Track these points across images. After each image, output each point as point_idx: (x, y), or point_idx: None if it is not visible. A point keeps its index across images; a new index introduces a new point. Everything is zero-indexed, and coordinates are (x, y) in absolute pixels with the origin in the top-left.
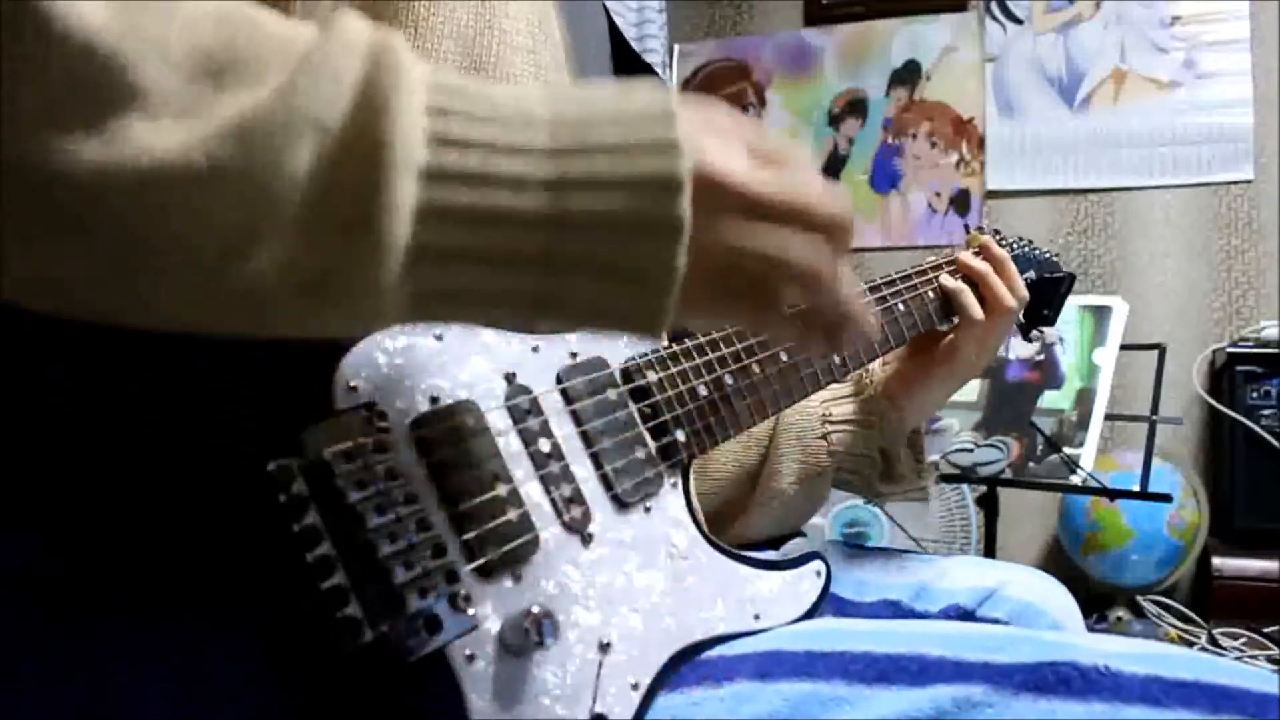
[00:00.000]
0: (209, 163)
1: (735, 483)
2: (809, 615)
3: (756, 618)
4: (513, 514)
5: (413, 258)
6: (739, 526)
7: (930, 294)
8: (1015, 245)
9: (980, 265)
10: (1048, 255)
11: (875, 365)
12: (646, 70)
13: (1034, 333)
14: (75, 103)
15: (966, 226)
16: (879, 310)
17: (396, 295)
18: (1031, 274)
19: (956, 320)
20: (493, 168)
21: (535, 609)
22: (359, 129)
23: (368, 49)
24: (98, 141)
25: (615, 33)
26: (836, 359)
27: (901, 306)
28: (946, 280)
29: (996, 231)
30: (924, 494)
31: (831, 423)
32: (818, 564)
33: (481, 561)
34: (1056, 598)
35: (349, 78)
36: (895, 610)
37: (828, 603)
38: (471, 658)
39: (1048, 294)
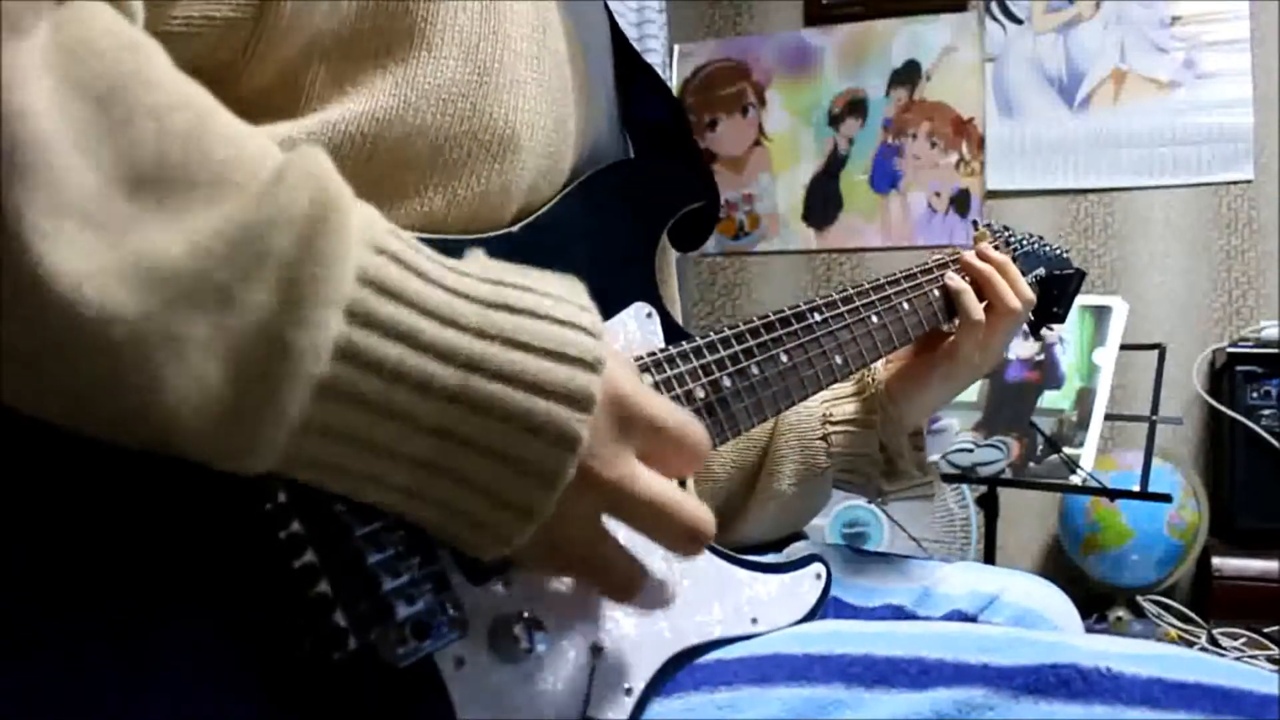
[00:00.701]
0: (101, 302)
1: (734, 484)
2: (808, 618)
3: (754, 621)
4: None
5: (301, 428)
6: (738, 528)
7: (935, 293)
8: (1025, 241)
9: (984, 267)
10: (1058, 252)
11: (878, 363)
12: (647, 71)
13: (1044, 330)
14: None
15: (975, 223)
16: (883, 309)
17: (270, 452)
18: (1041, 270)
19: (959, 321)
20: (406, 366)
21: (525, 614)
22: (267, 315)
23: (304, 219)
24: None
25: (617, 33)
26: (838, 359)
27: (906, 305)
28: (951, 279)
29: (1006, 228)
30: (930, 491)
31: (832, 423)
32: (818, 567)
33: (472, 567)
34: (1056, 603)
35: (271, 260)
36: (899, 615)
37: (829, 606)
38: (461, 663)
39: (1058, 291)
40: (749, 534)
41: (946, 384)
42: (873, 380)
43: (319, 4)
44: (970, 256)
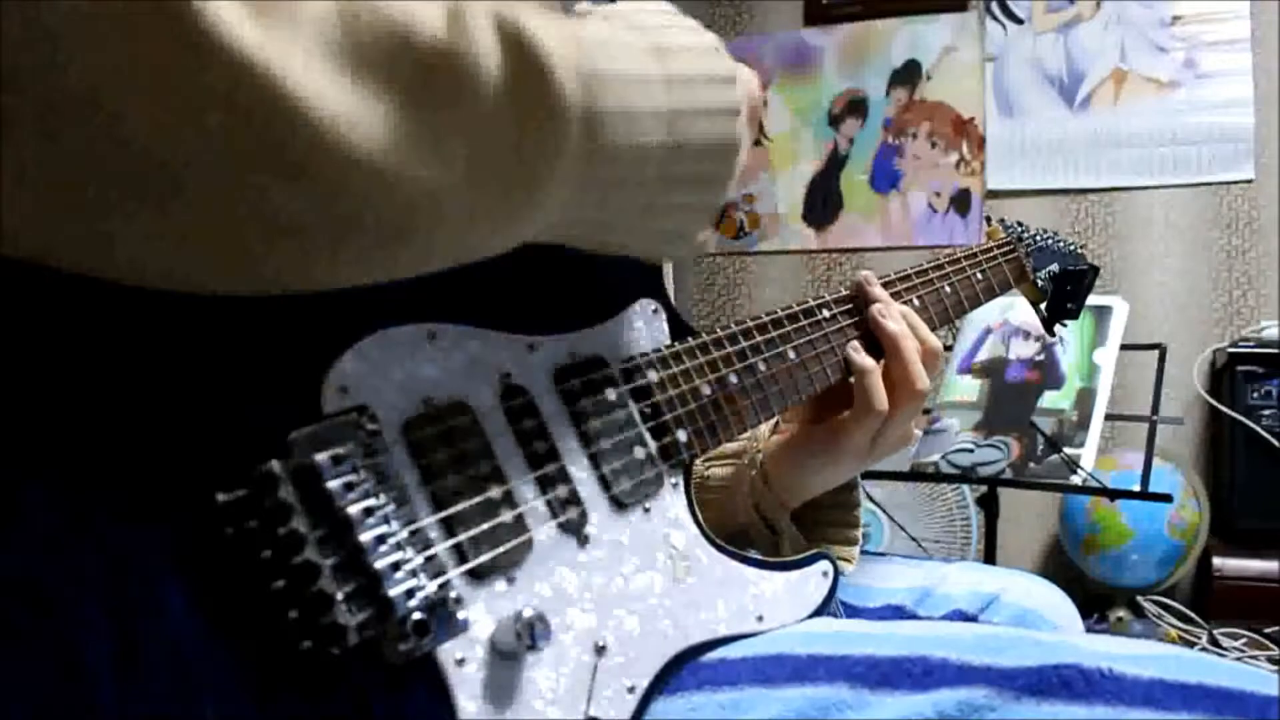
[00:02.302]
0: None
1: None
2: (814, 616)
3: (759, 619)
4: (506, 516)
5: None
6: None
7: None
8: (1039, 237)
9: (893, 328)
10: (1072, 247)
11: (764, 429)
12: None
13: (1059, 325)
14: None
15: (988, 219)
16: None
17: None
18: (1055, 266)
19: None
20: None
21: (528, 612)
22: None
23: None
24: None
25: None
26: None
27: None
28: (854, 356)
29: (1019, 223)
30: (848, 561)
31: (708, 488)
32: (824, 564)
33: (473, 564)
34: (1056, 604)
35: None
36: (900, 615)
37: (838, 604)
38: (462, 661)
39: (1072, 286)
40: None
41: (827, 471)
42: (751, 449)
43: None
44: (881, 311)
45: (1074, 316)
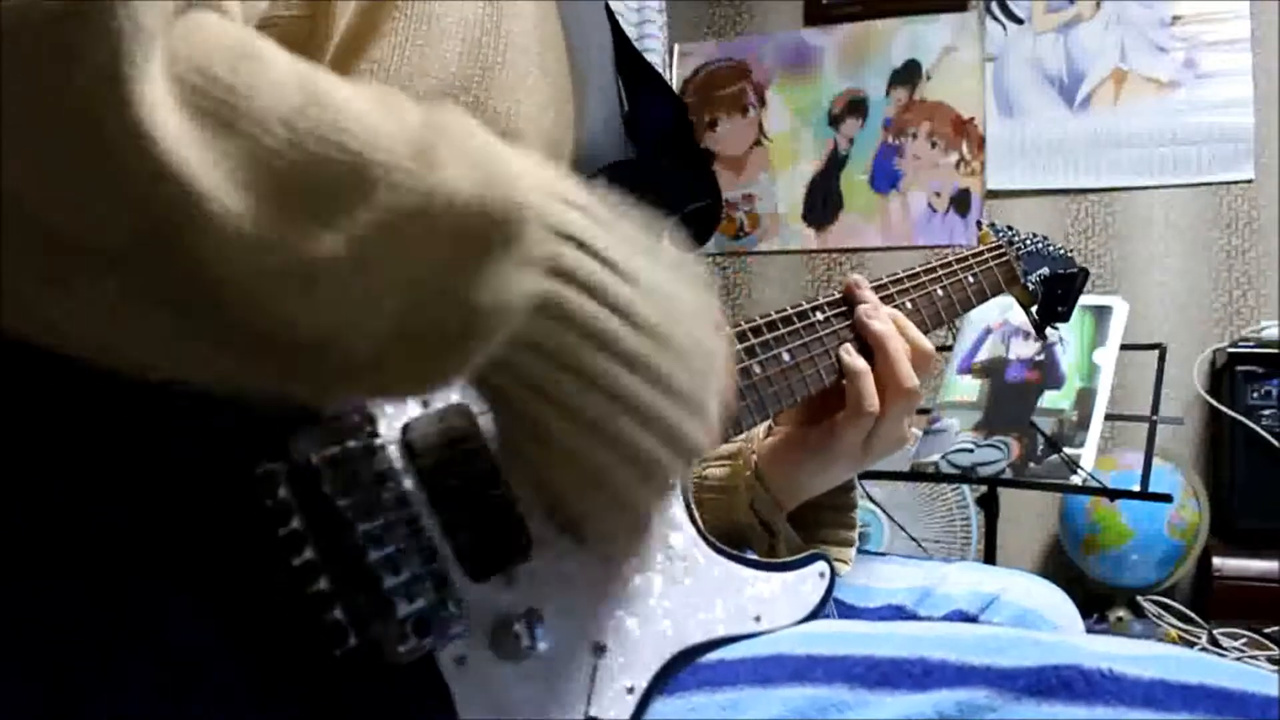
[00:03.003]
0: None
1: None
2: (812, 617)
3: (757, 619)
4: (505, 517)
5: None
6: None
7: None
8: (1029, 241)
9: (879, 328)
10: (1061, 251)
11: (759, 429)
12: (648, 72)
13: (1049, 329)
14: (144, 221)
15: (979, 223)
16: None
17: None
18: (1045, 270)
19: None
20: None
21: (527, 612)
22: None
23: (467, 182)
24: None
25: (618, 34)
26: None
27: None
28: (845, 357)
29: (1009, 227)
30: (845, 561)
31: (705, 488)
32: (821, 565)
33: (472, 565)
34: (1056, 604)
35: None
36: (899, 615)
37: (832, 605)
38: (461, 660)
39: (1063, 290)
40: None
41: (823, 473)
42: (745, 449)
43: (350, 2)
44: (868, 312)
45: (1064, 319)
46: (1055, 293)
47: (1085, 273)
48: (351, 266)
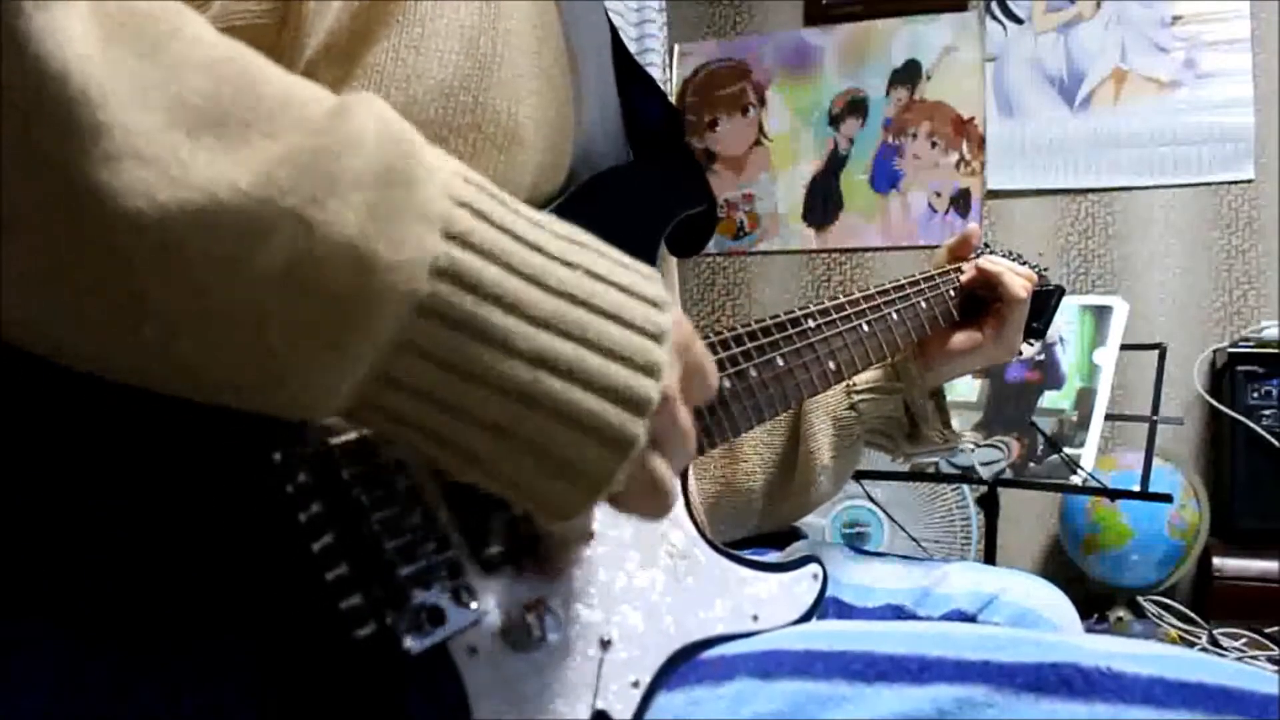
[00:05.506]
0: (165, 224)
1: (771, 468)
2: (806, 618)
3: (754, 619)
4: (516, 509)
5: (394, 349)
6: (784, 508)
7: (923, 304)
8: (1006, 258)
9: (994, 268)
10: (1036, 268)
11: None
12: (645, 76)
13: (1025, 344)
14: (42, 128)
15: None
16: (874, 318)
17: (345, 395)
18: None
19: (1001, 301)
20: (504, 288)
21: (537, 603)
22: (351, 250)
23: (375, 140)
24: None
25: (616, 36)
26: (831, 364)
27: (895, 315)
28: (986, 263)
29: (986, 244)
30: (950, 449)
31: (857, 392)
32: (814, 567)
33: (485, 555)
34: (1056, 604)
35: (351, 188)
36: (899, 615)
37: (829, 606)
38: (474, 651)
39: (1039, 306)
40: (795, 512)
41: (970, 359)
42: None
43: (333, 4)
44: (984, 262)
45: (1040, 335)
46: (1032, 309)
47: (1061, 290)
48: (257, 205)
